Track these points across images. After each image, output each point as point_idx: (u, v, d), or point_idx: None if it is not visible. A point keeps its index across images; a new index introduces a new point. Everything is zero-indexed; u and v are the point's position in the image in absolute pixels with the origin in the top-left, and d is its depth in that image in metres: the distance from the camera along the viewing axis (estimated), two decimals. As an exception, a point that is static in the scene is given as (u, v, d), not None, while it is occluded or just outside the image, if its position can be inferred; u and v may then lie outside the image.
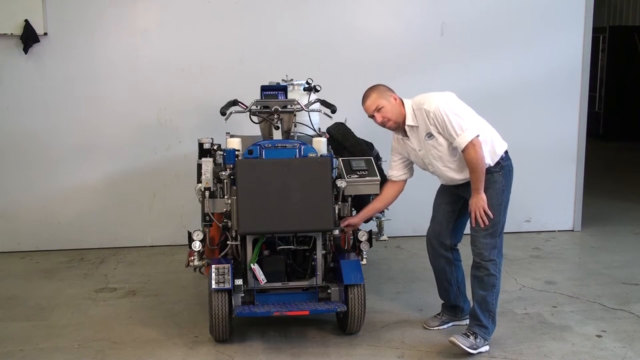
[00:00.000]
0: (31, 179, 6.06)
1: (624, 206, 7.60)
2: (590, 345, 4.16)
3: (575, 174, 6.63)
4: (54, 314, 4.71)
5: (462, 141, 3.85)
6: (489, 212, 3.93)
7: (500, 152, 4.00)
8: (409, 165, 4.27)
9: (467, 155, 3.86)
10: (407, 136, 4.09)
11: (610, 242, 6.38)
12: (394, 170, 4.28)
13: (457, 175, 4.04)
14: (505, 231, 6.11)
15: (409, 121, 4.01)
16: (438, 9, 6.27)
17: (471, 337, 4.00)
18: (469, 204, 3.99)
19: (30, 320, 4.61)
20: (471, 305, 4.15)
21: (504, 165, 4.02)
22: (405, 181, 4.30)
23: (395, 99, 4.01)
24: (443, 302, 4.45)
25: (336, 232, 4.30)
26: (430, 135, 3.95)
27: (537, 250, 6.13)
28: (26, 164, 6.04)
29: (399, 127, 4.07)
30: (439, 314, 4.45)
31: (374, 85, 4.09)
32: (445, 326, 4.38)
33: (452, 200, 4.20)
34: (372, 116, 4.05)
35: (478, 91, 6.34)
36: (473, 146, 3.83)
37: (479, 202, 3.93)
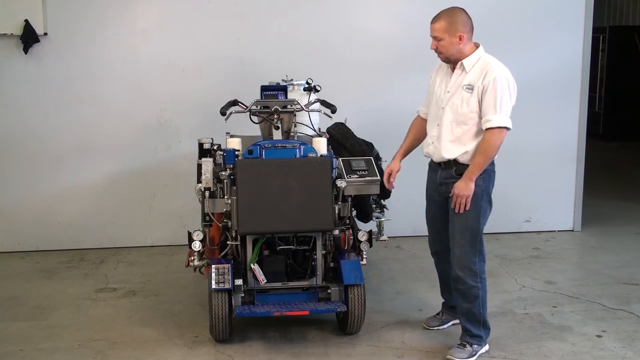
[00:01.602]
0: (31, 179, 6.05)
1: (624, 206, 7.60)
2: (590, 345, 4.17)
3: (575, 174, 6.63)
4: (54, 314, 4.71)
5: (496, 120, 3.69)
6: (468, 205, 3.79)
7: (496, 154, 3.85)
8: None
9: (489, 135, 3.71)
10: (451, 72, 3.90)
11: (610, 242, 6.37)
12: (424, 107, 4.13)
13: (450, 146, 3.84)
14: (505, 231, 6.10)
15: (468, 62, 3.81)
16: (438, 9, 6.22)
17: (467, 346, 3.98)
18: (455, 186, 3.81)
19: (30, 320, 4.61)
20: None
21: (488, 169, 3.86)
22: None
23: (461, 37, 3.77)
24: (444, 301, 4.43)
25: (336, 232, 4.30)
26: (470, 87, 3.77)
27: (537, 250, 6.13)
28: (26, 164, 6.04)
29: (449, 61, 3.89)
30: (438, 314, 4.43)
31: (452, 11, 3.85)
32: (445, 326, 4.36)
33: (443, 210, 4.01)
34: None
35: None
36: (499, 133, 3.70)
37: (467, 188, 3.77)
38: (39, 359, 4.07)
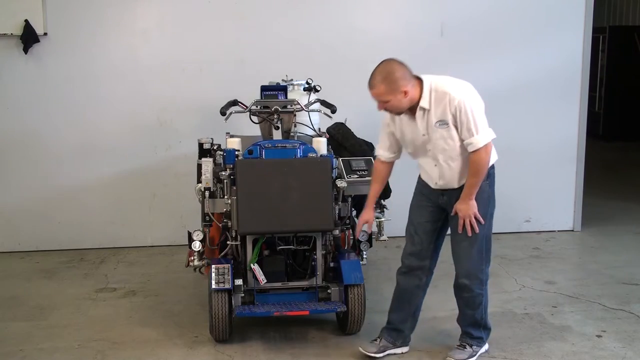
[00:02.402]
0: (31, 179, 6.06)
1: (624, 206, 7.59)
2: (590, 345, 4.16)
3: (575, 174, 6.63)
4: (54, 314, 4.71)
5: (479, 141, 3.57)
6: (480, 218, 3.71)
7: (493, 161, 3.78)
8: (400, 146, 3.89)
9: (476, 157, 3.59)
10: (413, 116, 3.68)
11: (610, 242, 6.37)
12: (386, 152, 3.91)
13: (452, 179, 3.72)
14: (505, 231, 6.11)
15: (424, 103, 3.60)
16: (438, 9, 6.27)
17: (467, 347, 3.96)
18: (455, 208, 3.71)
19: (30, 320, 4.61)
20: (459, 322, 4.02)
21: (491, 174, 3.79)
22: (393, 162, 3.97)
23: (405, 92, 3.56)
24: (388, 324, 4.06)
25: (336, 232, 4.30)
26: (443, 123, 3.60)
27: (537, 250, 6.13)
28: (26, 164, 6.04)
29: (402, 112, 3.70)
30: (376, 340, 4.05)
31: (384, 71, 3.59)
32: (382, 354, 3.98)
33: (433, 218, 3.88)
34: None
35: (478, 91, 6.32)
36: (486, 149, 3.60)
37: (471, 207, 3.67)
38: (39, 359, 4.07)
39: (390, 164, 3.98)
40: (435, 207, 3.88)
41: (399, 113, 3.70)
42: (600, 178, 8.49)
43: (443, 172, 3.75)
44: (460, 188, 3.73)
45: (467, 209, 3.69)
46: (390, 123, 3.83)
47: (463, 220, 3.72)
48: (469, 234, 3.73)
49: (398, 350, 4.05)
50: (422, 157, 3.81)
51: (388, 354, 4.01)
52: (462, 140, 3.64)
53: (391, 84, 3.56)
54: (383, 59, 3.69)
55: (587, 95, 6.57)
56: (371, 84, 3.64)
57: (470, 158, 3.63)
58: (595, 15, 6.57)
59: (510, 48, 6.40)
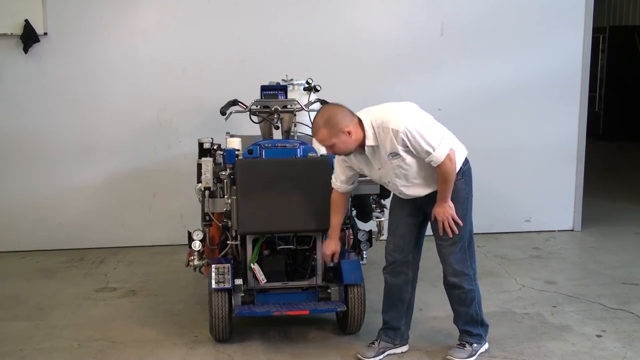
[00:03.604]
0: (31, 179, 6.06)
1: (624, 206, 7.60)
2: (590, 345, 4.16)
3: (575, 174, 6.63)
4: (54, 314, 4.71)
5: (439, 155, 3.57)
6: (458, 220, 3.72)
7: (462, 159, 3.75)
8: (357, 176, 3.95)
9: (443, 168, 3.60)
10: (364, 153, 3.74)
11: (610, 242, 6.37)
12: (343, 184, 3.92)
13: (422, 191, 3.76)
14: (505, 231, 6.11)
15: (370, 141, 3.64)
16: (438, 9, 6.27)
17: (467, 346, 3.96)
18: (433, 213, 3.74)
19: (30, 320, 4.61)
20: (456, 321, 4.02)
21: (465, 171, 3.78)
22: (350, 192, 4.01)
23: (348, 132, 3.58)
24: (384, 324, 4.06)
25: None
26: (395, 154, 3.62)
27: (537, 250, 6.13)
28: (26, 164, 6.04)
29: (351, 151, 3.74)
30: (373, 343, 4.03)
31: (325, 116, 3.63)
32: (382, 356, 3.98)
33: (413, 212, 3.89)
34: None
35: (478, 91, 6.36)
36: (449, 159, 3.59)
37: (447, 210, 3.69)
38: (39, 359, 4.07)
39: (348, 194, 4.03)
40: (414, 202, 3.89)
41: (349, 153, 3.74)
42: (600, 178, 8.49)
43: (408, 191, 3.79)
44: (432, 193, 3.75)
45: (444, 211, 3.71)
46: (346, 159, 3.85)
47: (442, 223, 3.73)
48: (449, 235, 3.75)
49: (398, 350, 4.04)
50: (385, 184, 3.88)
51: (388, 355, 4.01)
52: (419, 159, 3.64)
53: (333, 127, 3.60)
54: (321, 106, 3.73)
55: (587, 95, 6.58)
56: (314, 130, 3.69)
57: (437, 171, 3.65)
58: (595, 15, 6.57)
59: (510, 48, 6.40)
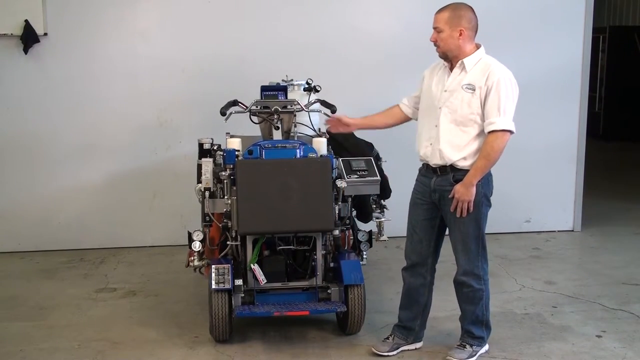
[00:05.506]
0: (31, 179, 6.06)
1: (624, 206, 7.60)
2: (590, 345, 4.17)
3: (575, 174, 6.64)
4: (54, 314, 4.71)
5: (500, 123, 3.57)
6: (471, 208, 3.70)
7: (496, 160, 3.72)
8: (418, 103, 3.98)
9: (491, 139, 3.59)
10: (450, 70, 3.78)
11: (610, 242, 6.38)
12: (409, 101, 4.05)
13: (449, 149, 3.71)
14: (505, 231, 6.11)
15: (468, 62, 3.70)
16: (438, 9, 6.25)
17: (467, 346, 3.96)
18: (454, 189, 3.70)
19: (30, 320, 4.61)
20: (462, 319, 4.03)
21: (487, 177, 3.79)
22: (407, 117, 4.08)
23: (461, 33, 3.66)
24: (399, 321, 4.12)
25: (336, 232, 4.30)
26: (472, 87, 3.65)
27: (537, 250, 6.13)
28: (26, 164, 6.04)
29: (447, 58, 3.79)
30: (388, 338, 4.10)
31: (458, 5, 3.76)
32: (395, 352, 4.03)
33: (429, 215, 3.91)
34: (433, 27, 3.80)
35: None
36: (503, 136, 3.58)
37: (468, 193, 3.66)
38: (39, 359, 4.07)
39: (404, 115, 4.09)
40: (429, 205, 3.90)
41: (443, 54, 3.78)
42: (600, 178, 8.49)
43: (439, 135, 3.74)
44: (448, 176, 3.75)
45: (465, 192, 3.69)
46: (427, 74, 3.93)
47: (457, 201, 3.72)
48: (457, 215, 3.74)
49: (411, 347, 4.10)
50: (427, 116, 3.85)
51: (402, 351, 4.05)
52: (481, 119, 3.65)
53: (455, 17, 3.70)
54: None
55: (587, 95, 6.58)
56: (440, 9, 3.79)
57: (486, 139, 3.65)
58: (595, 15, 6.57)
59: (510, 48, 6.37)
